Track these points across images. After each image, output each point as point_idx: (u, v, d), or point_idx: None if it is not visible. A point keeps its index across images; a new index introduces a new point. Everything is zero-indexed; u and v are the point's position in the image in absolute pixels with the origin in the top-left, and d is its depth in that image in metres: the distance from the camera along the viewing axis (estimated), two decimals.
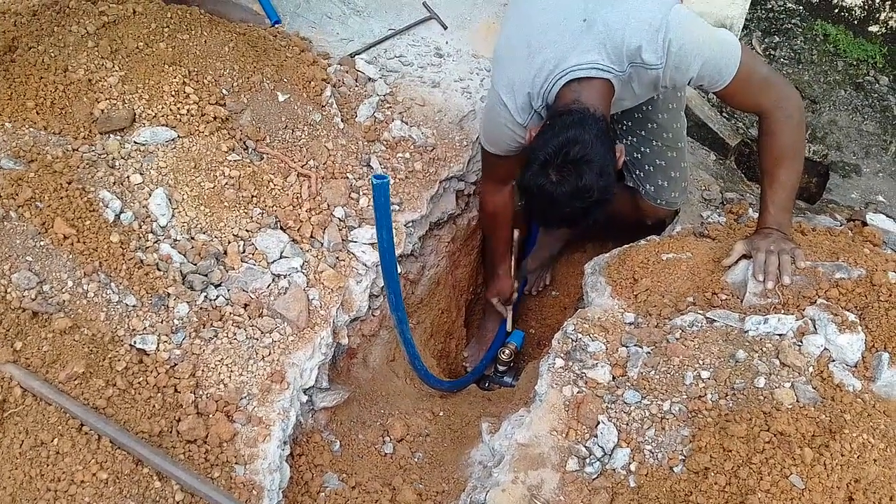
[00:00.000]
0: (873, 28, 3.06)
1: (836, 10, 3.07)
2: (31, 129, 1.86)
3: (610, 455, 1.77)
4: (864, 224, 2.54)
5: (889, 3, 2.97)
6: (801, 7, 3.08)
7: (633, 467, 1.73)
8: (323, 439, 1.96)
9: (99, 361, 1.58)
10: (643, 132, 2.37)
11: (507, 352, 2.94)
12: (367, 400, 2.19)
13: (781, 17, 3.11)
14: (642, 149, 2.40)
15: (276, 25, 2.63)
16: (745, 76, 1.94)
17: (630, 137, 2.41)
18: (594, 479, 1.74)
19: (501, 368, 2.96)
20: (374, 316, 2.20)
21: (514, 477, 1.76)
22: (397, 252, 2.17)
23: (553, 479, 1.75)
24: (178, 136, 2.01)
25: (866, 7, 3.02)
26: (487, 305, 2.91)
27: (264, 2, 2.66)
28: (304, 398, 1.87)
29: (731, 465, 1.59)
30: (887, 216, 2.56)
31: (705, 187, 2.67)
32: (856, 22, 3.07)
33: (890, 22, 3.02)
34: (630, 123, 2.38)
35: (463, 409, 2.30)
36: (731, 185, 2.71)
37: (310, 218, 2.08)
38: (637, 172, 2.45)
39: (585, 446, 1.81)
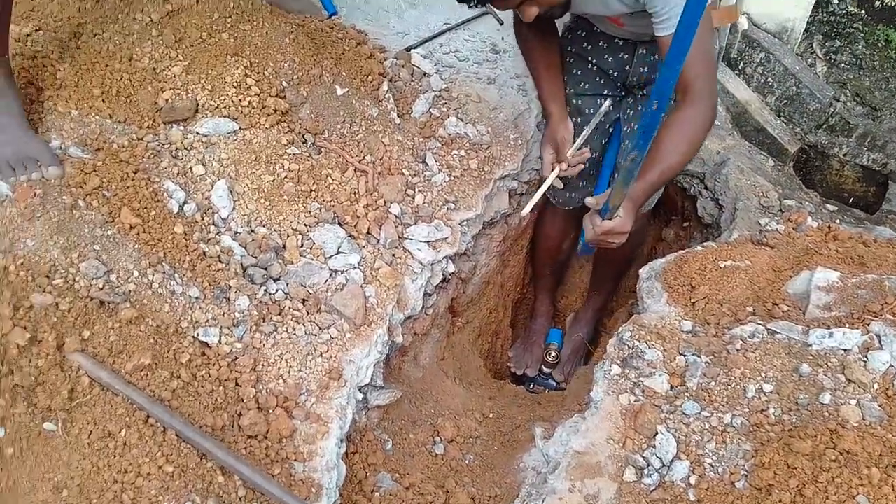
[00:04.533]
0: None
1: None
2: (98, 117, 1.86)
3: (668, 467, 1.74)
4: None
5: None
6: (863, 11, 3.00)
7: (692, 480, 1.70)
8: (376, 437, 1.96)
9: (164, 353, 1.58)
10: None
11: (552, 354, 2.92)
12: (417, 399, 2.19)
13: (843, 20, 3.04)
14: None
15: (333, 17, 2.61)
16: (700, 35, 1.81)
17: (628, 142, 2.39)
18: (652, 491, 1.72)
19: (546, 370, 2.94)
20: (426, 314, 2.19)
21: (570, 485, 1.74)
22: (451, 251, 2.16)
23: (610, 489, 1.73)
24: (240, 128, 2.01)
25: None
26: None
27: None
28: (360, 396, 1.86)
29: (795, 483, 1.55)
30: None
31: (763, 194, 2.62)
32: None
33: None
34: (636, 127, 2.35)
35: (512, 412, 2.29)
36: (789, 191, 2.66)
37: (366, 214, 2.07)
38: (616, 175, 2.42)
39: (643, 456, 1.78)
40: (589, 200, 1.83)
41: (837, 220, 2.56)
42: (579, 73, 2.38)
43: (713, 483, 1.66)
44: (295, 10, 2.45)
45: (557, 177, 2.11)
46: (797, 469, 1.56)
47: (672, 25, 1.78)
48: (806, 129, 2.94)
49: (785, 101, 2.93)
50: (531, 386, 2.93)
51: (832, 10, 3.04)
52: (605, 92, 2.40)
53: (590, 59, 2.36)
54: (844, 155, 2.97)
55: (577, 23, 2.37)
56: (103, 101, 1.89)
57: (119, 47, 1.99)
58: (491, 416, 2.25)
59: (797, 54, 2.97)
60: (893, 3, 2.97)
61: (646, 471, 1.75)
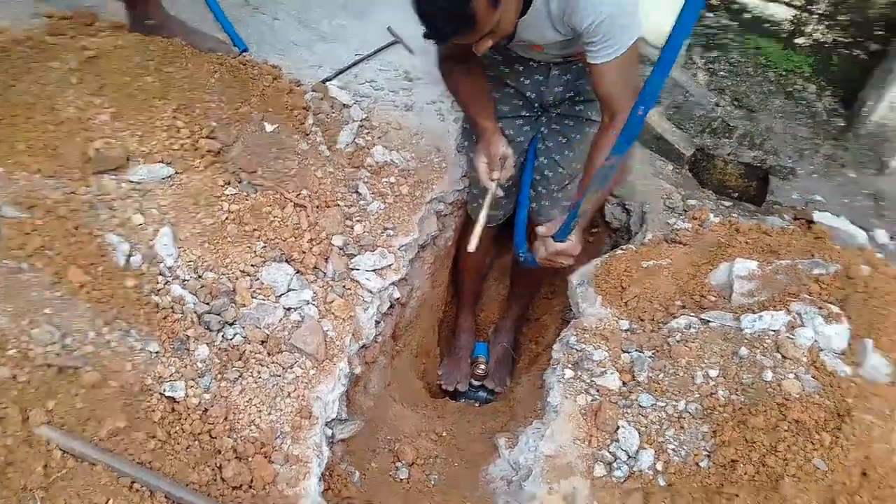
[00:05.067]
0: (800, 40, 3.31)
1: (767, 25, 3.30)
2: (25, 173, 1.77)
3: (635, 458, 1.85)
4: (810, 222, 2.74)
5: (815, 17, 3.22)
6: (735, 23, 3.29)
7: (659, 466, 1.81)
8: (344, 471, 1.96)
9: (135, 414, 1.52)
10: (557, 157, 2.50)
11: (481, 367, 3.00)
12: (371, 427, 2.20)
13: (718, 32, 3.31)
14: (547, 173, 2.54)
15: (245, 54, 2.59)
16: (627, 61, 1.95)
17: (543, 159, 2.54)
18: (623, 482, 1.82)
19: (476, 383, 3.02)
20: (375, 342, 2.21)
21: (548, 488, 1.81)
22: (396, 277, 2.19)
23: (584, 487, 1.82)
24: (175, 172, 1.96)
25: (794, 21, 3.26)
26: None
27: (230, 30, 2.61)
28: (329, 431, 1.85)
29: (757, 455, 1.69)
30: (834, 215, 2.77)
31: (667, 196, 2.82)
32: (784, 35, 3.31)
33: (815, 34, 3.27)
34: (550, 144, 2.52)
35: (463, 427, 2.34)
36: (689, 192, 2.87)
37: (311, 248, 2.07)
38: (538, 189, 2.58)
39: (609, 451, 1.88)
40: (540, 230, 1.92)
41: (734, 215, 2.78)
42: (498, 95, 2.48)
43: (679, 466, 1.78)
44: (205, 48, 2.41)
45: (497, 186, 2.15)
46: (756, 443, 1.71)
47: (607, 55, 1.90)
48: (693, 133, 3.19)
49: (674, 110, 3.16)
50: (462, 401, 3.00)
51: (707, 22, 3.30)
52: (523, 113, 2.51)
53: (507, 81, 2.46)
54: (728, 154, 3.22)
55: (493, 48, 2.47)
56: (28, 155, 1.80)
57: (38, 98, 1.89)
58: (444, 434, 2.29)
59: (681, 66, 3.21)
60: (760, 14, 3.26)
61: (614, 464, 1.85)
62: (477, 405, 2.89)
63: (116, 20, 2.49)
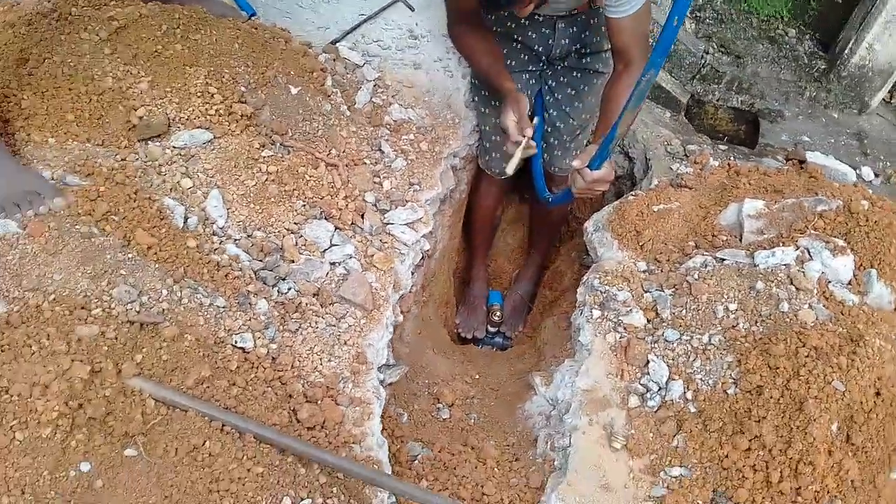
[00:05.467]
0: None
1: None
2: (76, 143, 1.82)
3: (666, 388, 1.99)
4: (802, 162, 2.90)
5: None
6: None
7: (689, 395, 1.96)
8: (393, 412, 2.07)
9: (215, 364, 1.61)
10: (567, 109, 2.62)
11: (498, 314, 3.13)
12: (410, 373, 2.31)
13: None
14: (559, 124, 2.66)
15: (253, 18, 2.63)
16: (643, 15, 2.11)
17: (552, 111, 2.65)
18: (657, 411, 1.97)
19: (492, 329, 3.15)
20: (410, 292, 2.31)
21: (588, 420, 1.95)
22: (426, 230, 2.29)
23: (621, 417, 1.96)
24: (214, 137, 2.02)
25: None
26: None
27: None
28: (381, 376, 1.97)
29: (781, 381, 1.84)
30: (824, 154, 2.94)
31: (667, 142, 2.95)
32: None
33: None
34: (560, 97, 2.63)
35: (495, 370, 2.47)
36: (687, 138, 3.00)
37: (347, 205, 2.15)
38: (550, 140, 2.71)
39: (641, 384, 2.03)
40: (575, 162, 2.02)
41: (732, 158, 2.92)
42: (506, 51, 2.56)
43: (708, 394, 1.93)
44: (217, 14, 2.44)
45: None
46: (779, 369, 1.86)
47: (626, 10, 2.02)
48: (684, 80, 3.31)
49: (666, 58, 3.27)
50: (480, 346, 3.13)
51: None
52: (530, 67, 2.61)
53: (515, 36, 2.54)
54: (717, 100, 3.36)
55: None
56: (77, 125, 1.85)
57: (75, 69, 1.93)
58: (477, 376, 2.42)
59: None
60: None
61: (647, 395, 2.00)
62: (494, 350, 3.03)
63: None
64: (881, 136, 3.19)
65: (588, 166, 1.98)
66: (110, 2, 2.25)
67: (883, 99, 3.28)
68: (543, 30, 2.51)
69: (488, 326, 3.15)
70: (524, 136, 2.12)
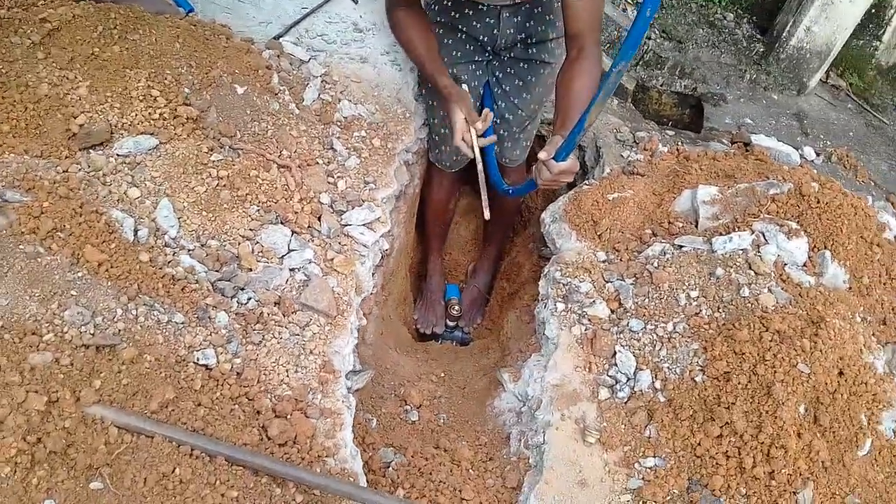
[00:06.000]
0: None
1: None
2: (13, 155, 1.70)
3: (634, 378, 2.00)
4: (746, 144, 2.96)
5: None
6: None
7: (658, 385, 1.97)
8: (362, 418, 2.03)
9: (178, 384, 1.54)
10: (515, 101, 2.62)
11: (456, 308, 3.10)
12: (375, 375, 2.26)
13: None
14: (508, 116, 2.67)
15: (191, 14, 2.51)
16: (600, 1, 2.12)
17: (501, 103, 2.65)
18: (627, 402, 1.97)
19: (451, 323, 3.12)
20: (370, 294, 2.26)
21: (560, 415, 1.95)
22: (385, 230, 2.23)
23: (592, 410, 1.96)
24: (160, 143, 1.92)
25: None
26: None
27: None
28: (348, 383, 1.92)
29: (747, 366, 1.87)
30: (766, 136, 2.99)
31: (617, 129, 2.96)
32: None
33: None
34: (507, 88, 2.62)
35: (459, 367, 2.44)
36: (636, 125, 3.02)
37: (303, 208, 2.09)
38: (500, 132, 2.70)
39: (610, 375, 2.03)
40: (541, 154, 1.99)
41: (680, 143, 2.95)
42: (450, 41, 2.52)
43: (677, 383, 1.94)
44: (153, 11, 2.33)
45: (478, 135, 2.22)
46: (745, 354, 1.88)
47: None
48: (629, 68, 3.32)
49: (609, 45, 3.28)
50: (440, 342, 3.10)
51: None
52: (476, 58, 2.57)
53: (459, 27, 2.50)
54: (661, 85, 3.39)
55: None
56: (13, 136, 1.73)
57: (7, 76, 1.81)
58: (442, 374, 2.39)
59: (611, 2, 3.33)
60: None
61: (616, 387, 2.00)
62: (454, 345, 3.00)
63: None
64: (820, 116, 3.27)
65: (554, 157, 1.96)
66: (39, 2, 2.13)
67: (820, 79, 3.36)
68: (488, 20, 2.48)
69: (447, 321, 3.12)
70: (478, 130, 2.09)
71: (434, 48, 2.35)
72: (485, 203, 2.19)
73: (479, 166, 2.17)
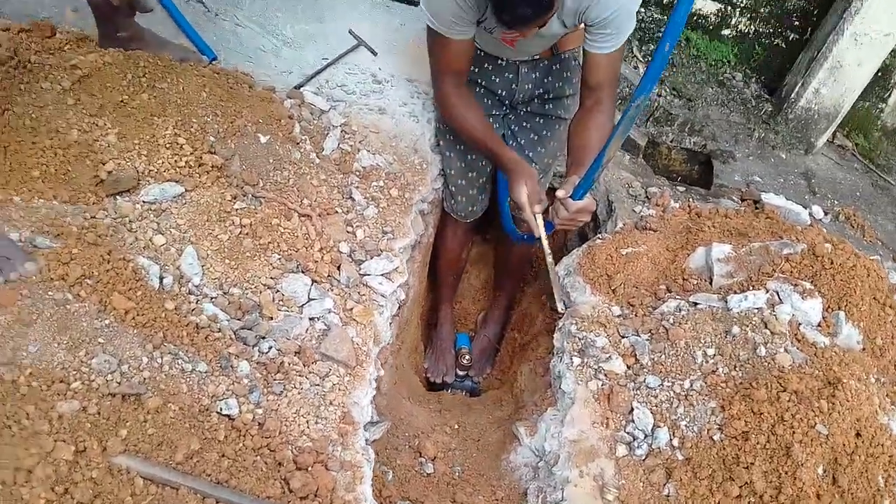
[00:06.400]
0: (725, 31, 3.56)
1: (695, 18, 3.53)
2: (42, 201, 1.72)
3: (652, 436, 2.00)
4: (757, 202, 3.00)
5: (738, 10, 3.48)
6: (666, 16, 3.50)
7: (675, 443, 1.97)
8: (378, 470, 2.01)
9: (202, 434, 1.53)
10: (530, 153, 2.65)
11: (467, 357, 3.10)
12: (390, 426, 2.25)
13: (652, 26, 3.52)
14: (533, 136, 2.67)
15: (214, 62, 2.56)
16: (619, 55, 2.16)
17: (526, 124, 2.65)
18: (645, 460, 1.96)
19: (461, 373, 3.11)
20: (388, 344, 2.26)
21: (578, 472, 1.93)
22: (402, 280, 2.25)
23: (610, 467, 1.95)
24: (185, 190, 1.94)
25: (719, 14, 3.51)
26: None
27: (196, 39, 2.57)
28: (366, 434, 1.91)
29: (766, 426, 1.87)
30: (775, 194, 3.04)
31: (629, 184, 2.99)
32: (711, 28, 3.56)
33: (739, 26, 3.53)
34: (523, 142, 2.65)
35: (473, 419, 2.43)
36: (648, 180, 3.06)
37: (322, 257, 2.10)
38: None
39: (627, 432, 2.02)
40: (559, 193, 2.00)
41: (691, 199, 2.99)
42: None
43: (695, 441, 1.94)
44: (177, 59, 2.37)
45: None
46: (763, 414, 1.88)
47: (611, 46, 2.04)
48: (639, 123, 3.38)
49: (620, 101, 3.34)
50: (449, 391, 3.09)
51: (642, 17, 3.50)
52: (493, 111, 2.61)
53: (479, 80, 2.55)
54: (671, 142, 3.45)
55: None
56: (43, 181, 1.75)
57: (38, 122, 1.83)
58: (456, 426, 2.38)
59: (622, 60, 3.39)
60: (691, 9, 3.48)
61: (634, 444, 1.99)
62: (464, 394, 2.99)
63: (76, 31, 2.42)
64: (827, 176, 3.32)
65: (571, 196, 1.98)
66: (65, 48, 2.17)
67: (827, 140, 3.42)
68: (507, 74, 2.53)
69: (457, 370, 3.11)
70: (536, 213, 2.09)
71: (489, 125, 2.33)
72: (557, 296, 2.13)
73: (547, 249, 2.11)
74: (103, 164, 1.84)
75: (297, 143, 2.33)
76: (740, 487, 1.81)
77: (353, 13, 3.05)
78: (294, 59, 2.76)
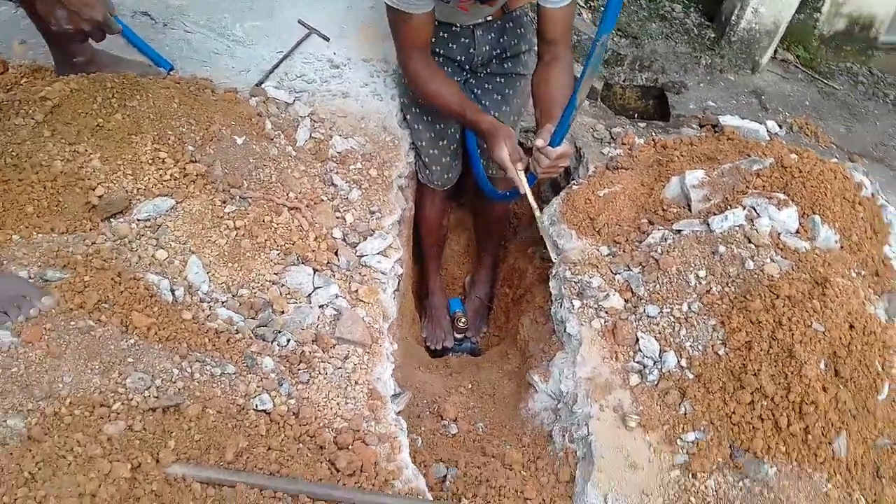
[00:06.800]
0: None
1: None
2: (41, 235, 1.73)
3: (660, 361, 2.10)
4: (715, 126, 3.10)
5: None
6: None
7: (683, 363, 2.07)
8: (410, 438, 2.08)
9: (247, 432, 1.58)
10: (496, 114, 2.69)
11: (463, 320, 3.18)
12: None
13: None
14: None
15: (171, 72, 2.56)
16: (572, 6, 2.23)
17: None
18: (658, 384, 2.07)
19: (459, 336, 3.20)
20: (395, 318, 2.32)
21: (598, 406, 2.03)
22: (398, 255, 2.30)
23: (627, 397, 2.05)
24: (177, 202, 1.97)
25: None
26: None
27: (150, 52, 2.56)
28: (394, 406, 1.97)
29: (766, 333, 1.98)
30: (731, 115, 3.14)
31: (592, 128, 3.07)
32: None
33: None
34: (487, 103, 2.70)
35: (484, 376, 2.52)
36: (609, 121, 3.14)
37: (319, 246, 2.15)
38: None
39: (636, 361, 2.12)
40: (537, 142, 2.06)
41: (653, 133, 3.08)
42: None
43: (701, 359, 2.04)
44: (137, 74, 2.37)
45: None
46: (761, 322, 1.99)
47: (562, 1, 2.10)
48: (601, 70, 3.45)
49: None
50: (451, 355, 3.17)
51: None
52: (455, 78, 2.66)
53: (436, 50, 2.59)
54: (624, 81, 3.53)
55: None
56: (38, 216, 1.76)
57: (19, 158, 1.83)
58: (469, 385, 2.46)
59: None
60: None
61: (644, 371, 2.09)
62: (465, 356, 3.08)
63: (28, 63, 2.41)
64: (776, 90, 3.44)
65: (549, 144, 2.04)
66: (22, 81, 2.17)
67: (770, 56, 3.53)
68: (463, 39, 2.57)
69: (455, 334, 3.19)
70: (520, 170, 2.14)
71: (464, 94, 2.35)
72: (550, 246, 2.25)
73: (534, 204, 2.19)
74: (93, 190, 1.85)
75: (272, 139, 2.36)
76: (751, 393, 1.92)
77: (300, 3, 3.06)
78: (249, 58, 2.77)
